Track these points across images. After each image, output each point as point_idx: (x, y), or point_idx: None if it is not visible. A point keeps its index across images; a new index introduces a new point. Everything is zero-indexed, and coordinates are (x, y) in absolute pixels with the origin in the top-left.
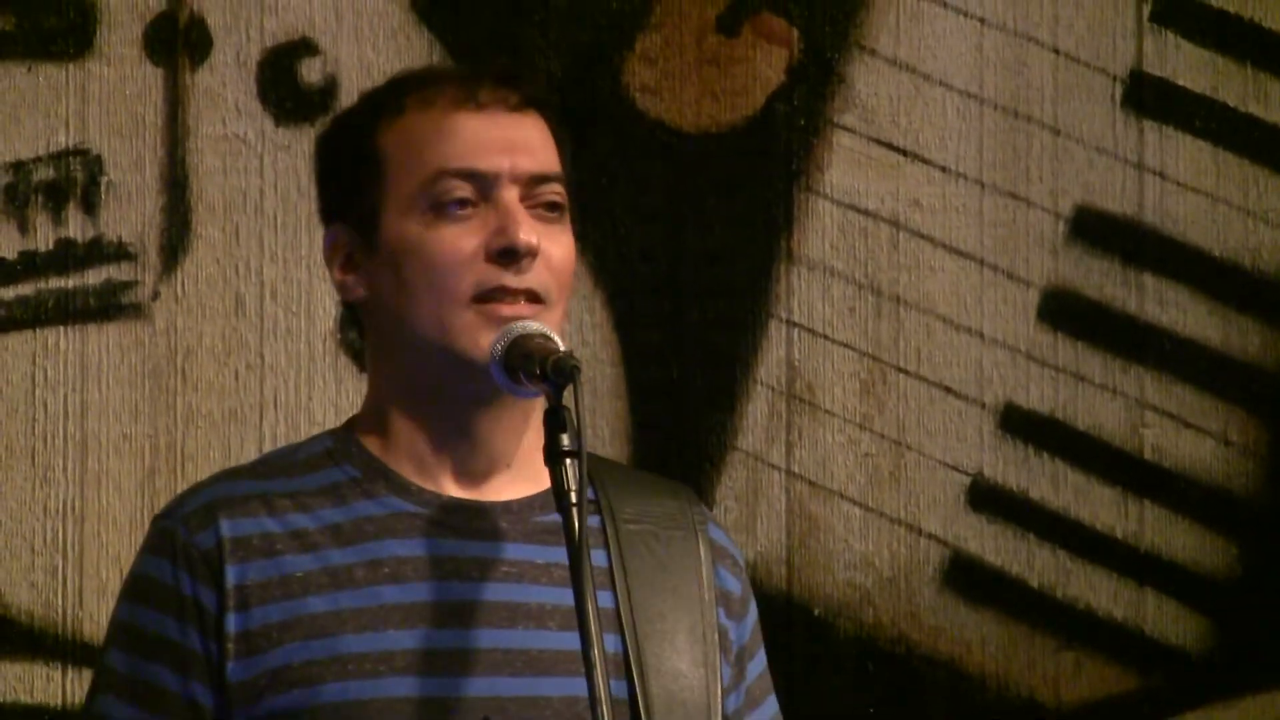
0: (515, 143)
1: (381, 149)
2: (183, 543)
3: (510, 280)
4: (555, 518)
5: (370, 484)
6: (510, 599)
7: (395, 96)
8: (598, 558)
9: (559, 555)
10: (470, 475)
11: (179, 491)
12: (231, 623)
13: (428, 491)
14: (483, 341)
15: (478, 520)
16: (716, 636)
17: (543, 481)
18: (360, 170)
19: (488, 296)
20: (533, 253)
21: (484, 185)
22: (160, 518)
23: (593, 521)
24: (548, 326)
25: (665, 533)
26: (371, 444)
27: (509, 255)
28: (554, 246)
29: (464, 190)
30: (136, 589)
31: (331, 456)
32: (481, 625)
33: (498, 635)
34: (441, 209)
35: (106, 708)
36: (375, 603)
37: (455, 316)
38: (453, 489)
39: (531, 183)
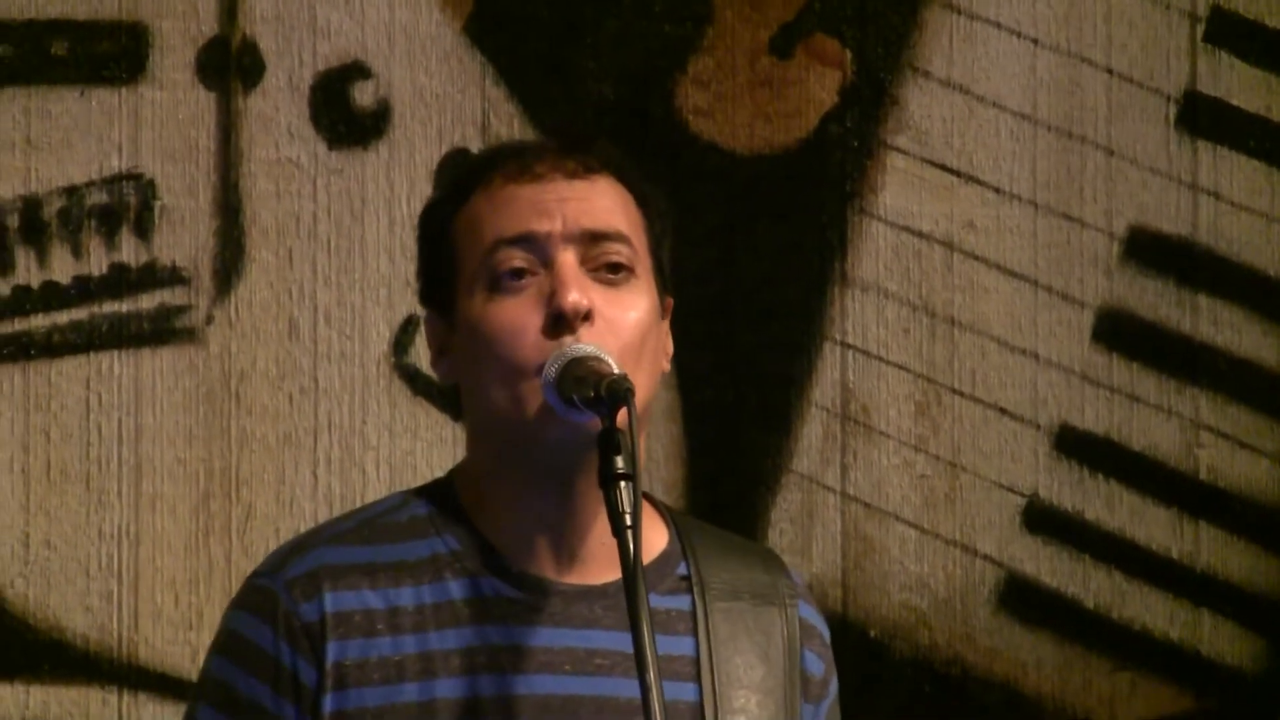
0: (569, 203)
1: (454, 237)
2: (285, 610)
3: (569, 351)
4: (651, 602)
5: (470, 560)
6: (600, 693)
7: (466, 182)
8: (686, 645)
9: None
10: (568, 549)
11: (280, 546)
12: (328, 702)
13: (527, 575)
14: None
15: (573, 606)
16: None
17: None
18: (437, 257)
19: None
20: (581, 314)
21: (538, 250)
22: (261, 575)
23: (684, 604)
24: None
25: (754, 609)
26: (472, 508)
27: (558, 322)
28: (616, 309)
29: (519, 259)
30: (232, 647)
31: (433, 523)
32: None
33: None
34: (498, 282)
35: None
36: (468, 694)
37: (524, 388)
38: (549, 568)
39: (589, 241)
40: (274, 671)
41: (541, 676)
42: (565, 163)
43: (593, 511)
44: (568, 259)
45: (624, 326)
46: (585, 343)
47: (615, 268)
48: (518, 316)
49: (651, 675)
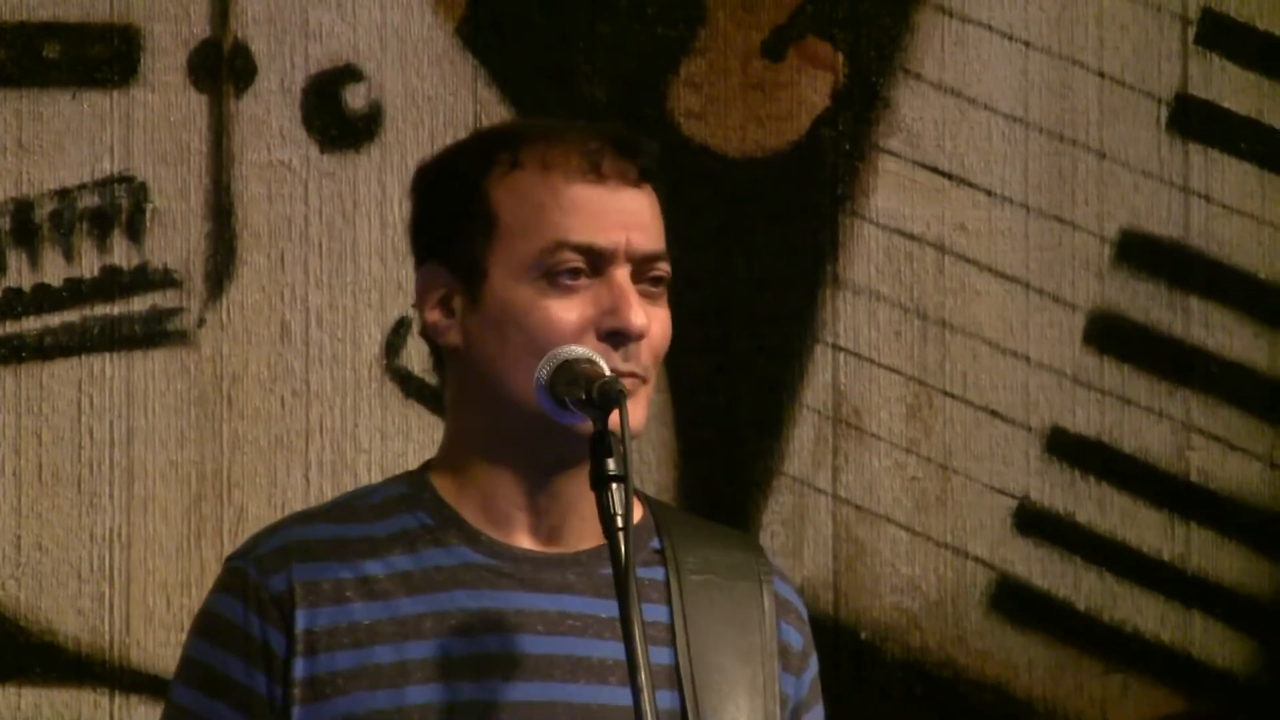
0: (631, 220)
1: (494, 202)
2: (254, 584)
3: (618, 364)
4: None
5: (441, 532)
6: (573, 653)
7: (511, 149)
8: (660, 613)
9: None
10: (543, 526)
11: (255, 532)
12: (299, 668)
13: (498, 542)
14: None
15: (545, 572)
16: (776, 690)
17: None
18: (468, 219)
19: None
20: (643, 337)
21: (598, 260)
22: (233, 557)
23: (657, 574)
24: (636, 395)
25: (729, 584)
26: (445, 489)
27: (620, 338)
28: (656, 324)
29: (578, 262)
30: (206, 627)
31: (405, 502)
32: (543, 679)
33: (559, 689)
34: (554, 279)
35: None
36: (441, 654)
37: None
38: (524, 539)
39: (643, 260)
40: (244, 644)
41: (514, 636)
42: (628, 168)
43: (572, 495)
44: (624, 275)
45: (659, 342)
46: (633, 363)
47: (658, 281)
48: (570, 321)
49: (643, 677)
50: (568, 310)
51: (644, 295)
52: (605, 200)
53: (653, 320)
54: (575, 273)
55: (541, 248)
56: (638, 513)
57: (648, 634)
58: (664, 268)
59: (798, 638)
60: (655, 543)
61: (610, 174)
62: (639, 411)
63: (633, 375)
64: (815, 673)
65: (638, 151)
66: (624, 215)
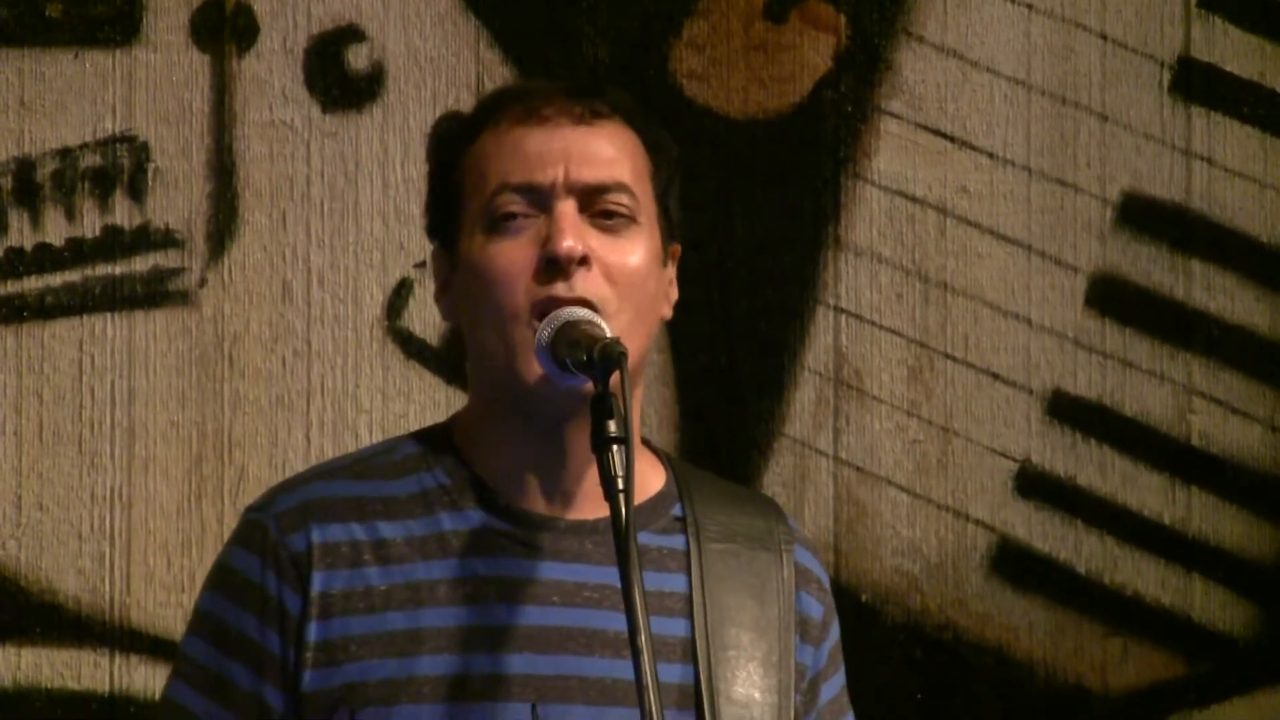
0: (573, 153)
1: (461, 172)
2: (274, 541)
3: (560, 291)
4: (640, 539)
5: (458, 494)
6: (588, 625)
7: (475, 119)
8: (678, 583)
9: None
10: (559, 488)
11: (272, 484)
12: (312, 631)
13: (515, 507)
14: (538, 362)
15: (563, 540)
16: (792, 662)
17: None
18: (445, 193)
19: (543, 312)
20: (575, 260)
21: (538, 197)
22: (253, 510)
23: (678, 543)
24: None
25: (749, 553)
26: (465, 447)
27: (552, 265)
28: (613, 254)
29: (517, 204)
30: (223, 580)
31: (425, 460)
32: (558, 652)
33: (573, 663)
34: (496, 224)
35: (180, 695)
36: (454, 623)
37: (516, 334)
38: (540, 504)
39: (590, 193)
40: (261, 601)
41: (528, 608)
42: (573, 107)
43: (585, 454)
44: (567, 207)
45: (621, 273)
46: (578, 288)
47: (613, 214)
48: (513, 260)
49: (643, 639)
50: (510, 251)
51: (599, 228)
52: (543, 139)
53: (608, 251)
54: (515, 215)
55: (487, 195)
56: (660, 478)
57: (665, 605)
58: (620, 200)
59: (818, 608)
60: (677, 509)
61: (552, 115)
62: None
63: (582, 301)
64: (835, 641)
65: (592, 94)
66: (565, 150)
